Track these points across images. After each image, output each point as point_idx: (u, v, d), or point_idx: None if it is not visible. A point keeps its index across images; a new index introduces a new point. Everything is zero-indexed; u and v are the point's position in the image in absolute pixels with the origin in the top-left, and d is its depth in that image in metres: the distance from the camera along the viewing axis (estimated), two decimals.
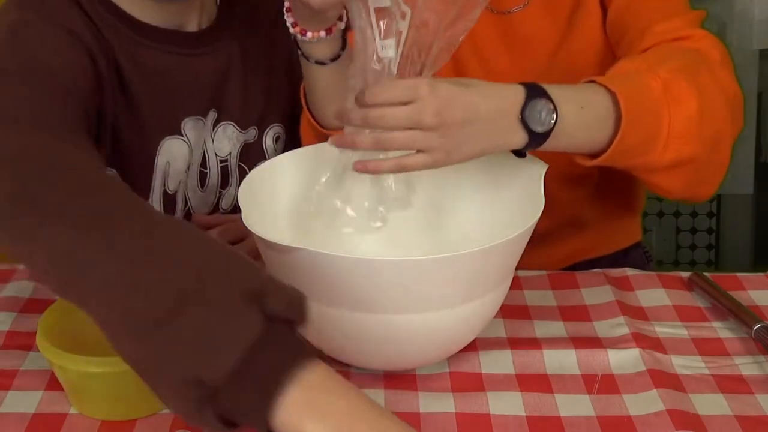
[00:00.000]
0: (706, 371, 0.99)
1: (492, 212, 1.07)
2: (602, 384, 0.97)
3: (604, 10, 1.18)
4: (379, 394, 0.95)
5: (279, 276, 0.95)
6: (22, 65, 0.94)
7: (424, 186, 1.11)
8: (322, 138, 1.17)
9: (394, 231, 1.11)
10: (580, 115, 0.96)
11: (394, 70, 0.94)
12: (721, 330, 1.07)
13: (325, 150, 1.09)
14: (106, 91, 1.07)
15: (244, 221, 0.91)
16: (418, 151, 0.92)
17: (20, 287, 1.13)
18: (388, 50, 0.93)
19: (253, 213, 0.94)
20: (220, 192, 1.21)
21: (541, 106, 0.93)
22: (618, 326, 1.06)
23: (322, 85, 1.13)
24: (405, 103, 0.90)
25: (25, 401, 0.94)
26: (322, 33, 1.08)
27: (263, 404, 0.67)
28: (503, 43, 1.24)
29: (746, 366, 1.00)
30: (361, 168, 0.94)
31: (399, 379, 0.97)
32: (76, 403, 0.93)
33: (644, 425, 0.90)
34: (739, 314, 1.06)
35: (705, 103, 1.00)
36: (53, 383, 0.95)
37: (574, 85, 1.00)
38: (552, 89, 0.95)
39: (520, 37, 1.23)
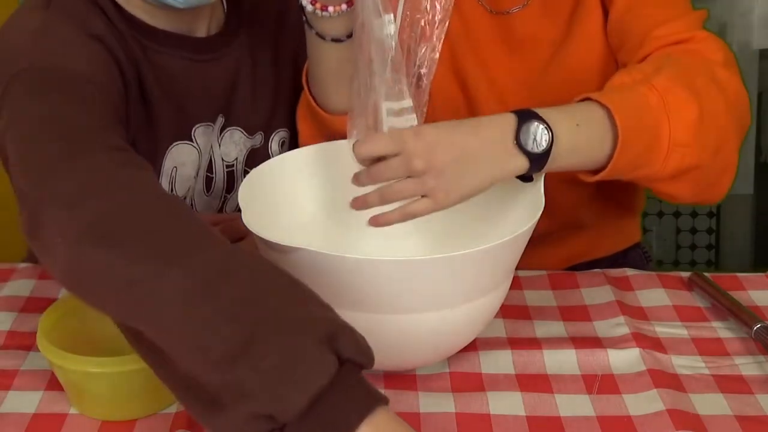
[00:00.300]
0: (706, 371, 0.99)
1: (492, 212, 1.07)
2: (602, 384, 0.97)
3: (606, 12, 1.18)
4: None
5: None
6: (55, 73, 0.95)
7: None
8: (318, 122, 1.17)
9: (394, 231, 1.11)
10: (577, 133, 0.96)
11: (393, 44, 0.95)
12: (721, 330, 1.07)
13: (326, 150, 1.09)
14: (130, 100, 1.06)
15: (244, 221, 0.91)
16: (423, 196, 0.94)
17: (20, 287, 1.13)
18: (389, 26, 0.94)
19: (253, 213, 0.94)
20: (225, 197, 1.21)
21: (534, 127, 0.94)
22: (618, 326, 1.06)
23: (333, 65, 1.12)
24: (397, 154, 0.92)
25: (25, 401, 0.94)
26: (344, 6, 1.07)
27: None
28: (503, 44, 1.24)
29: (746, 366, 1.00)
30: (375, 224, 0.98)
31: (399, 379, 0.97)
32: (76, 403, 0.93)
33: (644, 425, 0.90)
34: (739, 314, 1.06)
35: (704, 108, 1.00)
36: (53, 383, 0.95)
37: (568, 105, 1.00)
38: (544, 111, 0.95)
39: (519, 37, 1.23)
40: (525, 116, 0.94)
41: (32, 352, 1.00)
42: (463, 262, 0.88)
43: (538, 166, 0.95)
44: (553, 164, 0.95)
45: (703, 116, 0.99)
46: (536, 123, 0.94)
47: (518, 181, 1.03)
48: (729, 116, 1.04)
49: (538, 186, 0.99)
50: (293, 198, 1.08)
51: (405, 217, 0.96)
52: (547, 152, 0.94)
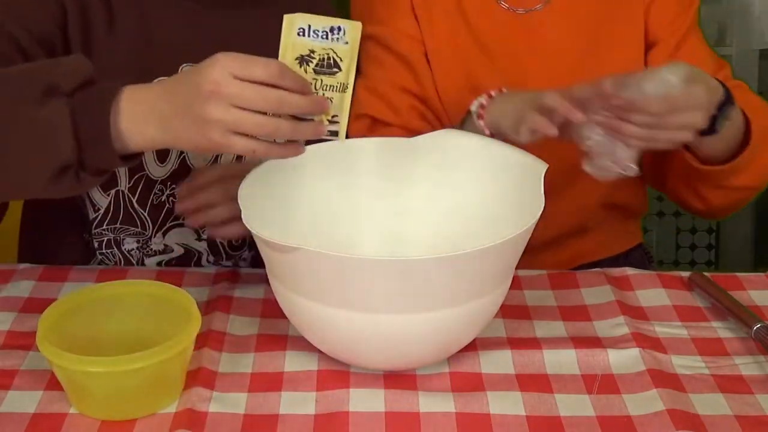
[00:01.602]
0: (706, 371, 0.99)
1: (492, 212, 1.07)
2: (602, 384, 0.97)
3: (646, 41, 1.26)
4: (379, 394, 0.95)
5: (279, 275, 0.95)
6: None
7: (424, 185, 1.11)
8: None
9: (394, 231, 1.11)
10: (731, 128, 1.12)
11: None
12: (721, 330, 1.07)
13: (325, 150, 1.09)
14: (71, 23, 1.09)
15: (244, 221, 0.91)
16: None
17: (20, 287, 1.13)
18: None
19: (253, 213, 0.94)
20: None
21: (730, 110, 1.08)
22: (618, 326, 1.06)
23: None
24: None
25: (25, 401, 0.94)
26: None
27: (105, 138, 0.89)
28: (525, 46, 1.25)
29: (746, 366, 1.00)
30: None
31: (399, 379, 0.97)
32: (76, 403, 0.93)
33: (644, 425, 0.90)
34: (739, 314, 1.06)
35: None
36: (53, 383, 0.94)
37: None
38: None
39: (542, 39, 1.24)
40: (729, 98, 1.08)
41: (32, 352, 1.00)
42: (463, 262, 0.88)
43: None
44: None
45: None
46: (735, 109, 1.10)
47: (518, 180, 1.04)
48: None
49: (538, 186, 0.99)
50: (293, 198, 1.08)
51: None
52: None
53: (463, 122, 1.18)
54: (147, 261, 1.24)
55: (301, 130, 0.92)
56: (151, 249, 1.23)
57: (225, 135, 0.88)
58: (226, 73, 0.87)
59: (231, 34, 1.17)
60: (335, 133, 0.96)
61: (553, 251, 1.32)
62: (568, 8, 1.26)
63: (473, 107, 1.16)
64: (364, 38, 1.29)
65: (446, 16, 1.27)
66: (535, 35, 1.26)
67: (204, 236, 1.24)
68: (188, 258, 1.25)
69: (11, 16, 1.05)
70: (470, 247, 0.87)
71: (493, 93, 1.17)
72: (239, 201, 0.96)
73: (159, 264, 1.24)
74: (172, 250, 1.24)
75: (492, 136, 1.12)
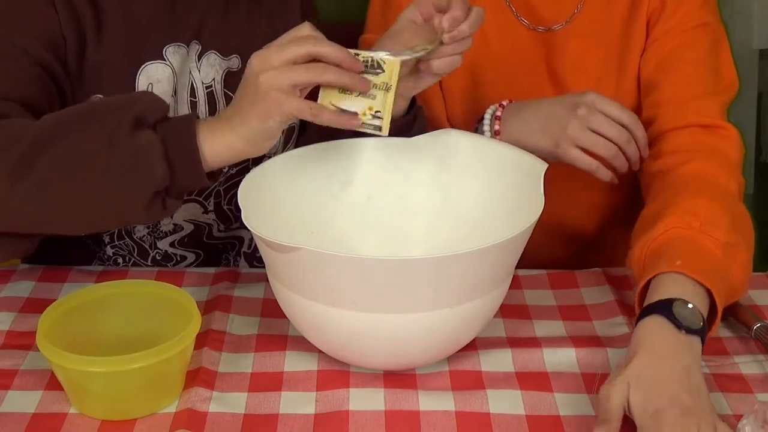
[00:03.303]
0: (706, 370, 0.99)
1: (492, 212, 1.07)
2: (602, 383, 0.96)
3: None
4: (379, 394, 0.95)
5: (279, 275, 0.95)
6: None
7: (425, 186, 1.11)
8: None
9: (394, 231, 1.11)
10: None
11: None
12: (721, 330, 1.06)
13: (326, 150, 1.09)
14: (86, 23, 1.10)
15: (244, 221, 0.91)
16: None
17: (20, 287, 1.14)
18: None
19: (253, 213, 0.94)
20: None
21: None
22: (618, 325, 1.06)
23: None
24: None
25: (25, 401, 0.94)
26: None
27: (195, 158, 0.95)
28: (542, 64, 1.25)
29: (746, 365, 1.00)
30: None
31: (399, 378, 0.97)
32: (76, 403, 0.93)
33: None
34: (739, 314, 1.06)
35: (749, 243, 1.06)
36: (53, 383, 0.95)
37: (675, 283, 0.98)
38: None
39: (558, 58, 1.24)
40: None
41: (32, 352, 1.00)
42: (463, 262, 0.89)
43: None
44: None
45: (750, 250, 1.05)
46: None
47: (518, 180, 1.04)
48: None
49: (538, 186, 0.99)
50: (293, 197, 1.08)
51: None
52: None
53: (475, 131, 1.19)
54: (159, 244, 1.24)
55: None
56: (162, 231, 1.23)
57: (278, 101, 0.93)
58: (268, 65, 0.93)
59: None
60: (378, 128, 0.98)
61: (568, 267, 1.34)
62: (588, 28, 1.25)
63: (486, 115, 1.17)
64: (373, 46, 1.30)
65: None
66: (551, 53, 1.26)
67: (210, 208, 1.24)
68: (199, 232, 1.26)
69: (18, 28, 1.06)
70: (470, 247, 0.87)
71: (505, 103, 1.18)
72: (239, 201, 0.96)
73: (172, 244, 1.25)
74: (182, 228, 1.24)
75: None
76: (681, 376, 0.89)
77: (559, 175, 1.11)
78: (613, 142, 1.13)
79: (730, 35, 1.27)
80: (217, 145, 0.96)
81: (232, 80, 1.21)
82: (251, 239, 1.31)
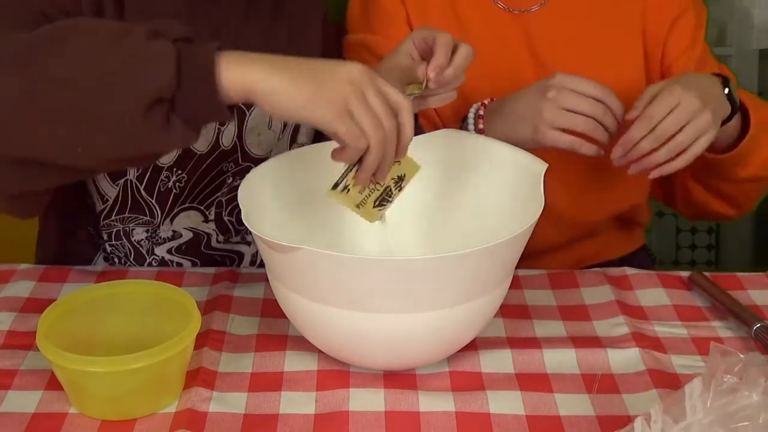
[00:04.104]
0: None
1: (492, 211, 1.07)
2: (602, 383, 0.97)
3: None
4: (379, 394, 0.95)
5: (279, 275, 0.95)
6: None
7: (425, 186, 1.11)
8: None
9: (394, 231, 1.11)
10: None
11: None
12: (721, 329, 1.07)
13: (326, 150, 1.09)
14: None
15: (244, 221, 0.91)
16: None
17: (20, 287, 1.14)
18: None
19: (253, 213, 0.94)
20: (219, 129, 1.20)
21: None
22: (618, 326, 1.06)
23: None
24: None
25: (25, 401, 0.94)
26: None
27: (210, 85, 0.87)
28: (520, 46, 1.25)
29: None
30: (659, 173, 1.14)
31: (399, 378, 0.97)
32: (76, 403, 0.93)
33: None
34: (739, 314, 1.06)
35: None
36: (53, 383, 0.95)
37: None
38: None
39: (536, 40, 1.25)
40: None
41: (32, 352, 1.00)
42: (463, 262, 0.89)
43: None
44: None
45: None
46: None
47: (518, 180, 1.04)
48: None
49: (538, 186, 0.99)
50: (294, 197, 1.08)
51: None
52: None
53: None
54: (157, 250, 1.24)
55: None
56: (160, 237, 1.23)
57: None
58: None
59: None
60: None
61: (561, 254, 1.33)
62: (565, 9, 1.27)
63: (470, 114, 1.17)
64: (356, 46, 1.30)
65: (441, 20, 1.27)
66: (531, 36, 1.27)
67: (211, 217, 1.24)
68: (197, 241, 1.25)
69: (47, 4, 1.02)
70: (470, 247, 0.87)
71: (486, 101, 1.18)
72: (239, 201, 0.96)
73: (169, 251, 1.25)
74: (181, 236, 1.24)
75: None
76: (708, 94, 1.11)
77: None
78: (590, 117, 1.13)
79: (730, 35, 1.28)
80: (239, 72, 0.88)
81: None
82: (253, 255, 1.30)
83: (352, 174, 0.94)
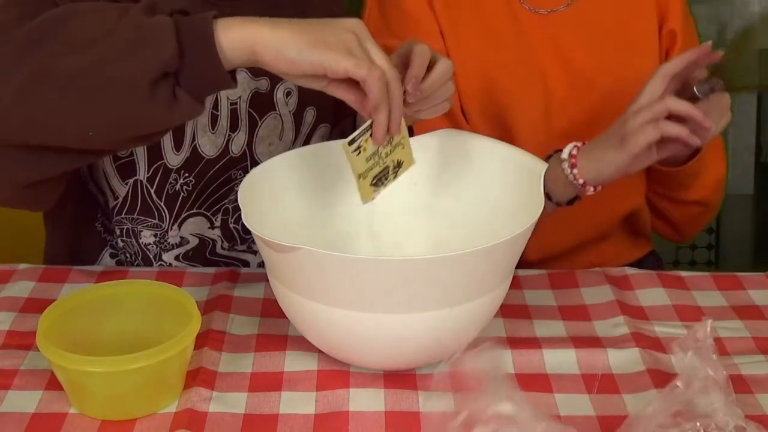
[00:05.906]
0: None
1: (492, 212, 1.07)
2: (602, 384, 0.97)
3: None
4: (379, 394, 0.95)
5: (279, 275, 0.95)
6: None
7: (425, 185, 1.11)
8: None
9: (394, 231, 1.11)
10: None
11: None
12: (720, 330, 1.07)
13: (325, 149, 1.09)
14: None
15: (244, 221, 0.91)
16: None
17: (20, 287, 1.14)
18: None
19: (253, 213, 0.94)
20: (229, 135, 1.21)
21: None
22: (618, 326, 1.06)
23: None
24: None
25: (25, 401, 0.94)
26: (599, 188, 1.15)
27: (211, 50, 0.87)
28: (544, 46, 1.26)
29: (746, 366, 1.00)
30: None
31: (399, 378, 0.97)
32: (76, 403, 0.93)
33: None
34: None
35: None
36: (53, 383, 0.95)
37: None
38: None
39: (561, 40, 1.25)
40: None
41: (32, 352, 1.00)
42: (462, 262, 0.89)
43: None
44: None
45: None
46: None
47: (518, 180, 1.04)
48: None
49: (538, 186, 0.99)
50: (293, 197, 1.08)
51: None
52: None
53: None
54: (165, 256, 1.24)
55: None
56: (169, 243, 1.23)
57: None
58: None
59: None
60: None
61: (571, 259, 1.33)
62: (590, 10, 1.27)
63: (564, 155, 1.15)
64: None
65: (469, 22, 1.27)
66: (557, 36, 1.27)
67: (216, 224, 1.24)
68: (203, 247, 1.25)
69: None
70: (470, 246, 0.87)
71: (579, 144, 1.16)
72: (239, 200, 0.96)
73: (177, 258, 1.25)
74: (188, 242, 1.24)
75: (584, 184, 1.14)
76: None
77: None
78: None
79: (731, 35, 1.28)
80: (238, 31, 0.89)
81: (259, 101, 1.21)
82: (259, 264, 1.30)
83: (366, 136, 0.94)
